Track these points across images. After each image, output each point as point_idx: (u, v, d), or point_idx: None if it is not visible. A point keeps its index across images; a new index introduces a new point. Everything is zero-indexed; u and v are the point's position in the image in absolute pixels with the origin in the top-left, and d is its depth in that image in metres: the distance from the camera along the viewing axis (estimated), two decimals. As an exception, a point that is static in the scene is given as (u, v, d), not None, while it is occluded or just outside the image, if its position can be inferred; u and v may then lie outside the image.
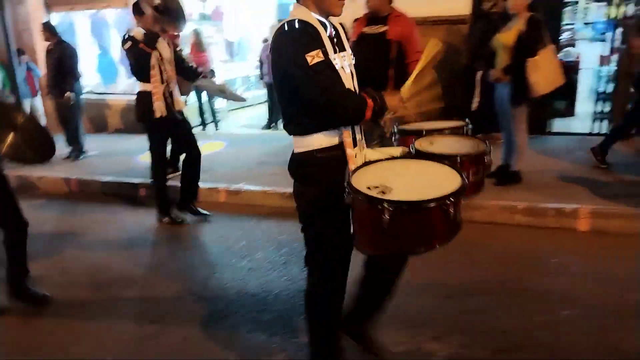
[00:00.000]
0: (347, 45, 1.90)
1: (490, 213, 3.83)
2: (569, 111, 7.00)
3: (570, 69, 7.20)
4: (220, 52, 10.06)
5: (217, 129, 8.22)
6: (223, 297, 2.96)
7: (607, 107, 5.94)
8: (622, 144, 5.33)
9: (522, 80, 3.85)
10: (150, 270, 3.39)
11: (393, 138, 2.30)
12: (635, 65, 5.24)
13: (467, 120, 2.33)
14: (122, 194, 5.05)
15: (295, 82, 1.69)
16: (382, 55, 3.86)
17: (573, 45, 7.94)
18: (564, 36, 8.11)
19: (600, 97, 6.06)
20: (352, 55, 1.92)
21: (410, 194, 1.54)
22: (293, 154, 1.88)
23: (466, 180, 1.64)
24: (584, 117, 6.46)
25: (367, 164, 1.82)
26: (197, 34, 7.92)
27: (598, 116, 6.07)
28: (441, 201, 1.50)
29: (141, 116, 3.97)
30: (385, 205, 1.48)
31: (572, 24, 8.87)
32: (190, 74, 4.17)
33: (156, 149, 4.07)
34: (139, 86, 3.94)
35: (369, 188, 1.59)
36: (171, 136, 4.15)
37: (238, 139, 7.00)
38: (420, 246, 1.57)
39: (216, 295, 3.00)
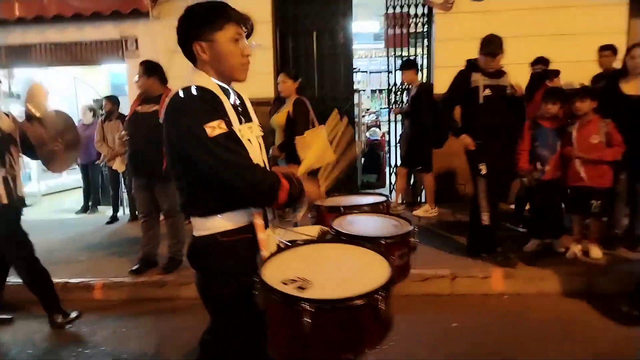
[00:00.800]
0: (253, 115, 1.69)
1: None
2: (380, 183, 7.75)
3: (377, 146, 8.09)
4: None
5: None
6: None
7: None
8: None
9: (295, 156, 4.09)
10: None
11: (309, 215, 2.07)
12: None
13: (386, 196, 2.18)
14: None
15: (194, 157, 1.45)
16: (153, 134, 3.84)
17: (378, 126, 8.94)
18: (370, 118, 9.15)
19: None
20: (260, 127, 1.72)
21: (334, 288, 1.31)
22: (193, 239, 1.59)
23: (394, 268, 1.44)
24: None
25: (280, 250, 1.56)
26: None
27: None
28: (371, 296, 1.28)
29: None
30: (306, 305, 1.23)
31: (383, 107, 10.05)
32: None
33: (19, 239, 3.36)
34: None
35: (284, 283, 1.34)
36: None
37: (38, 226, 6.25)
38: (348, 353, 1.30)
39: None
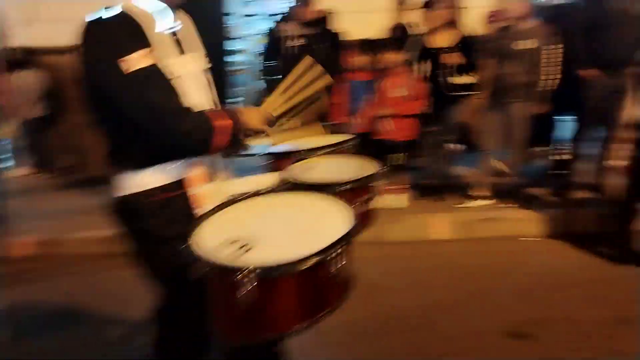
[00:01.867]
0: (198, 44, 1.43)
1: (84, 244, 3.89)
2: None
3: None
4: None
5: None
6: None
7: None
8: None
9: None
10: None
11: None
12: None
13: (353, 135, 1.99)
14: None
15: (110, 96, 1.22)
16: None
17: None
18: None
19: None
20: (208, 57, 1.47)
21: (285, 247, 1.12)
22: (116, 199, 1.36)
23: (356, 215, 1.24)
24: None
25: (222, 205, 1.32)
26: None
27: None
28: (326, 254, 1.07)
29: None
30: (244, 275, 1.00)
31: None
32: None
33: None
34: None
35: (222, 246, 1.12)
36: None
37: None
38: (302, 322, 1.09)
39: None
